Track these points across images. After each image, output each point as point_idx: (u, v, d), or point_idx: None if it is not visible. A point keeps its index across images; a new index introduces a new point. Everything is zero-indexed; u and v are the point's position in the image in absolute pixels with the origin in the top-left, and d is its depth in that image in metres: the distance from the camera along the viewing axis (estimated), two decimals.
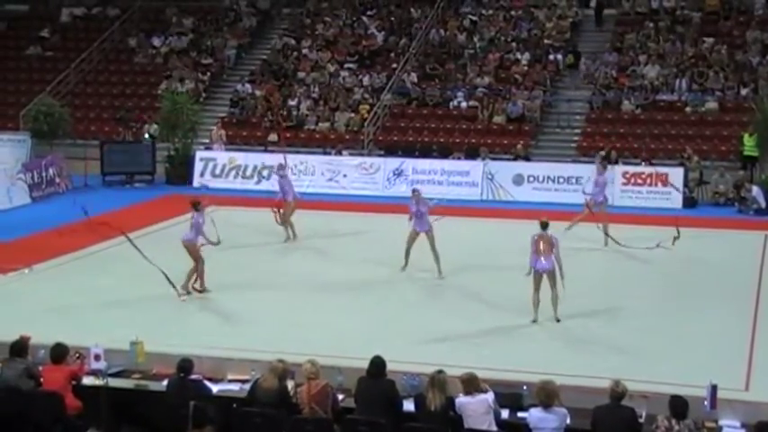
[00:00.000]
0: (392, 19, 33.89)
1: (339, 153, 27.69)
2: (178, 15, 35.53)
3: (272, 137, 29.53)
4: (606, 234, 19.27)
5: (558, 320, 14.09)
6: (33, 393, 10.81)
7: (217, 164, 27.71)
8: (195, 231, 15.81)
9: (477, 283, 16.51)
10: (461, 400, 10.10)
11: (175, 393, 10.65)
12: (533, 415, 9.87)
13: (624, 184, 25.31)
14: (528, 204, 20.53)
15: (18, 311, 14.54)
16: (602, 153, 25.31)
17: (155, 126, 29.13)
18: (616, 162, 26.17)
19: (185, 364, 10.77)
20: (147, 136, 29.06)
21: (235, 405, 10.89)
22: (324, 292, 16.13)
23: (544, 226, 14.35)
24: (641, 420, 10.06)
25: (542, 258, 14.09)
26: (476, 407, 10.00)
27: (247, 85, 31.74)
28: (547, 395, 9.82)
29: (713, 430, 10.28)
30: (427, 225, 16.84)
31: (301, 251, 19.09)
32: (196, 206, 16.00)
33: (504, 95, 29.68)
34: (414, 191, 17.32)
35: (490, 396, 10.12)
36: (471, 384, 10.12)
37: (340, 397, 10.80)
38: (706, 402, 10.46)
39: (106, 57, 34.29)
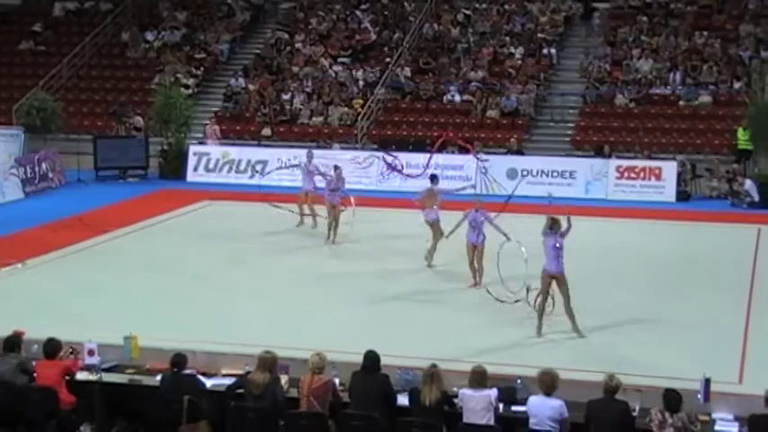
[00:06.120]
0: (386, 13, 33.85)
1: (329, 147, 27.51)
2: (171, 10, 35.45)
3: (266, 131, 29.51)
4: (314, 215, 20.29)
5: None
6: (27, 388, 10.79)
7: (210, 158, 27.70)
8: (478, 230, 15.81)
9: (470, 276, 16.46)
10: (465, 392, 10.12)
11: (169, 388, 10.63)
12: (531, 402, 9.95)
13: (618, 178, 25.38)
14: (521, 198, 20.55)
15: (11, 306, 14.49)
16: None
17: (137, 118, 29.03)
18: (609, 156, 26.22)
19: (179, 359, 10.74)
20: (133, 128, 28.98)
21: (233, 403, 10.87)
22: (317, 286, 16.14)
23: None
24: (635, 414, 10.07)
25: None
26: (477, 402, 10.00)
27: (241, 80, 31.67)
28: (547, 384, 9.89)
29: (707, 423, 10.29)
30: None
31: (295, 245, 19.08)
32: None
33: (497, 90, 29.68)
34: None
35: (493, 393, 10.11)
36: (476, 378, 10.11)
37: None
38: (699, 395, 10.46)
39: (99, 51, 34.20)
